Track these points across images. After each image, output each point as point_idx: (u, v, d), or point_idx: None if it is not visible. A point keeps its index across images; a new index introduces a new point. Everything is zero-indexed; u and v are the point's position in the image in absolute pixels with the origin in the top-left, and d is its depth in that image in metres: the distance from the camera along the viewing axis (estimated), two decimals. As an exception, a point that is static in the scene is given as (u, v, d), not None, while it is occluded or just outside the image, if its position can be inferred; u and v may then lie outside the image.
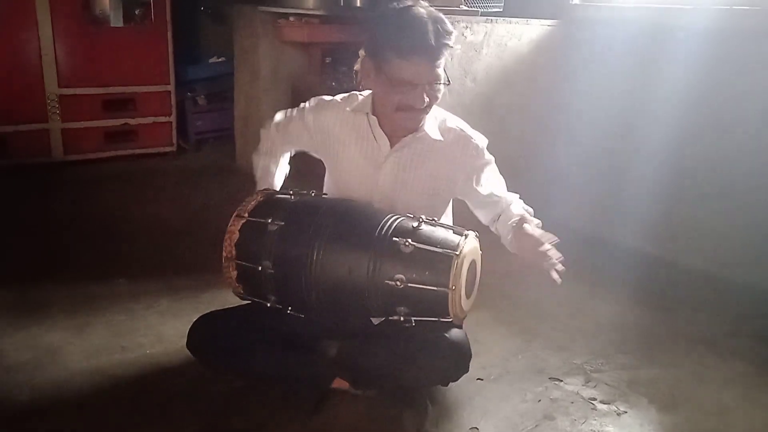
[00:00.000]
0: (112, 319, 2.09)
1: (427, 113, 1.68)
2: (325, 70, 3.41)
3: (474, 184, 1.79)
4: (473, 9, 2.85)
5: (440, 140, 1.74)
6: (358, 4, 3.11)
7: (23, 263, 2.47)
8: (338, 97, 1.82)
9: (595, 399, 1.83)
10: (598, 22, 3.02)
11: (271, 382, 1.74)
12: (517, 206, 1.78)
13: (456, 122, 1.80)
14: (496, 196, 1.80)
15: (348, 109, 1.76)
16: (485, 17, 2.80)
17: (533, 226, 1.63)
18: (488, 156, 1.80)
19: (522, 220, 1.65)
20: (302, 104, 1.87)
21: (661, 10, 2.83)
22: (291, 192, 1.73)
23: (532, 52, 2.96)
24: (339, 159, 1.79)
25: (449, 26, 1.58)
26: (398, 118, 1.67)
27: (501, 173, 1.83)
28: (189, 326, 1.75)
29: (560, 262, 1.58)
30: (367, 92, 1.78)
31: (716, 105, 2.63)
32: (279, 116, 1.93)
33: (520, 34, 2.89)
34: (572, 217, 3.15)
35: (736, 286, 2.54)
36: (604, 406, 1.80)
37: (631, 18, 2.92)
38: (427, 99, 1.61)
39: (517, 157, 3.07)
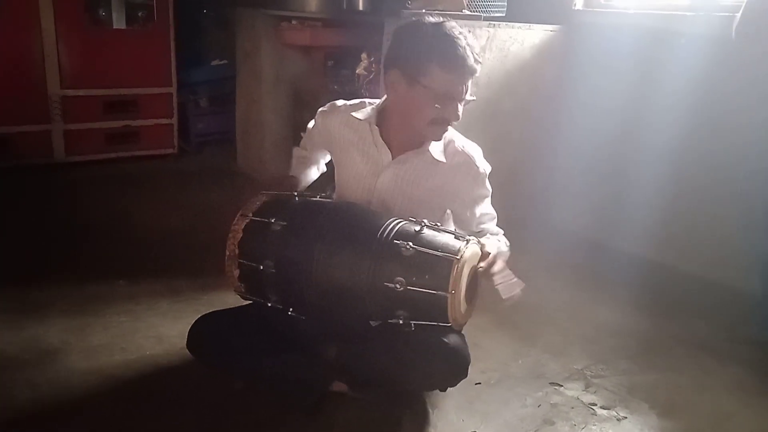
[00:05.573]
0: (112, 320, 2.10)
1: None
2: (327, 74, 3.41)
3: (467, 213, 1.80)
4: (476, 14, 2.85)
5: (442, 162, 1.73)
6: (361, 8, 3.12)
7: (24, 264, 2.47)
8: (349, 102, 1.84)
9: (595, 404, 1.83)
10: (600, 28, 3.02)
11: (270, 384, 1.74)
12: (495, 240, 1.78)
13: (465, 145, 1.78)
14: (484, 229, 1.82)
15: (353, 114, 1.76)
16: (488, 22, 2.79)
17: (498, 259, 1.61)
18: (488, 186, 1.80)
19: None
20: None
21: (662, 16, 2.84)
22: (296, 194, 1.74)
23: (535, 57, 2.96)
24: (341, 160, 1.83)
25: (478, 49, 1.61)
26: (429, 131, 1.66)
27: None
28: (189, 327, 1.76)
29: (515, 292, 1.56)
30: (377, 101, 1.79)
31: (716, 111, 2.63)
32: (311, 123, 1.97)
33: (523, 39, 2.89)
34: (573, 222, 3.16)
35: (735, 292, 2.54)
36: (604, 412, 1.80)
37: (633, 24, 2.92)
38: (460, 113, 1.62)
39: (518, 161, 3.07)
